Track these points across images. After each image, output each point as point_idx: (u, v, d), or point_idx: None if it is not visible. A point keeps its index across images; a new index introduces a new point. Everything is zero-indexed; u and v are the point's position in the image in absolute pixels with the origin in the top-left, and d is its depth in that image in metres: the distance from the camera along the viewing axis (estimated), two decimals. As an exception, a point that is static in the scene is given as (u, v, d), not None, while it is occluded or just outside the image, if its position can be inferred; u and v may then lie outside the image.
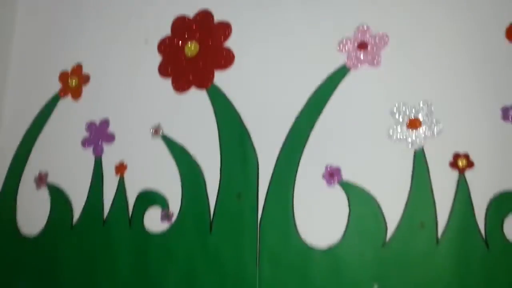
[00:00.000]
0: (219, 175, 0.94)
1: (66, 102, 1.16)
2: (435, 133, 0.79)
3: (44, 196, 1.14)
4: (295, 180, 0.88)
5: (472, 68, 0.79)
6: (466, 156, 0.76)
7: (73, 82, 1.17)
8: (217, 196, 0.94)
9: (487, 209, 0.74)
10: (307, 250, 0.84)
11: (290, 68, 0.92)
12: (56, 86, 1.18)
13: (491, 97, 0.76)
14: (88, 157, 1.09)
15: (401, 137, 0.81)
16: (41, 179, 1.16)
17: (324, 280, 0.82)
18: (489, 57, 0.78)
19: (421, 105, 0.80)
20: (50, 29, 1.23)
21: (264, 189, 0.90)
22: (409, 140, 0.80)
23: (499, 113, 0.75)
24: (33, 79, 1.23)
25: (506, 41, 0.77)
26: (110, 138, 1.09)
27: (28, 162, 1.17)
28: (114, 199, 1.05)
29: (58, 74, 1.18)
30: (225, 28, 1.01)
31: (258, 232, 0.89)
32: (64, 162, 1.13)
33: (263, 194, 0.91)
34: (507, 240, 0.72)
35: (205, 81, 1.00)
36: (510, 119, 0.75)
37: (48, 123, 1.18)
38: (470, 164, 0.76)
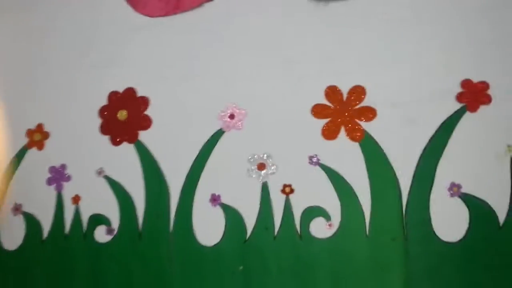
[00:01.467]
0: (144, 202, 1.40)
1: (32, 152, 1.57)
2: (273, 172, 1.29)
3: (20, 221, 1.57)
4: (192, 203, 1.36)
5: (292, 132, 1.30)
6: (290, 186, 1.27)
7: (37, 137, 1.60)
8: (143, 216, 1.39)
9: (301, 217, 1.24)
10: (200, 248, 1.31)
11: (186, 130, 1.37)
12: (24, 140, 1.59)
13: (301, 148, 1.27)
14: (51, 192, 1.52)
15: (254, 175, 1.30)
16: (16, 209, 1.57)
17: (210, 267, 1.30)
18: (298, 130, 1.29)
19: (265, 156, 1.30)
20: (19, 96, 1.63)
21: (173, 210, 1.38)
22: (258, 177, 1.30)
23: (307, 159, 1.26)
24: (6, 135, 1.64)
25: (310, 115, 1.28)
26: (67, 178, 1.52)
27: (6, 196, 1.60)
28: (72, 220, 1.47)
29: (25, 131, 1.60)
30: (145, 101, 1.48)
31: (170, 238, 1.37)
32: (34, 195, 1.56)
33: (173, 213, 1.39)
34: (311, 235, 1.23)
35: (132, 138, 1.44)
36: (312, 163, 1.26)
37: (20, 167, 1.59)
38: (291, 191, 1.26)
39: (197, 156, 1.35)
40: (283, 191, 1.25)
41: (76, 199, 1.49)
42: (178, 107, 1.41)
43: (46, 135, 1.57)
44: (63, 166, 1.53)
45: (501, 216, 1.07)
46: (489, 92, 1.11)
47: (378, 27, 1.23)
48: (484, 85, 1.10)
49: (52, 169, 1.54)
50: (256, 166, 1.29)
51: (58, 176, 1.53)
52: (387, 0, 1.25)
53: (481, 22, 1.16)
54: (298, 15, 1.32)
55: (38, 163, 1.56)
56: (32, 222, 1.54)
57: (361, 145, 1.20)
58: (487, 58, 1.13)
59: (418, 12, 1.21)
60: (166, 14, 1.48)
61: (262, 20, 1.36)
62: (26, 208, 1.55)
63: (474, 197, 1.09)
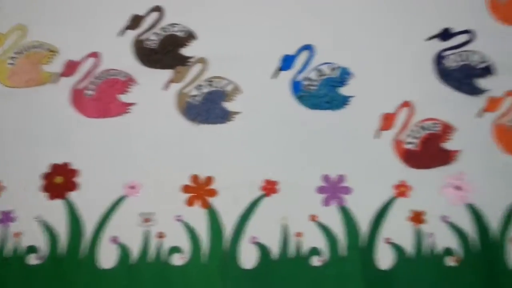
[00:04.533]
0: (66, 239, 2.02)
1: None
2: (153, 224, 2.05)
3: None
4: (99, 242, 2.07)
5: (167, 201, 2.08)
6: (163, 233, 2.03)
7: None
8: (66, 248, 1.94)
9: (167, 252, 2.00)
10: (100, 270, 2.01)
11: (101, 194, 1.85)
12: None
13: (172, 210, 2.03)
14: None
15: (141, 225, 2.05)
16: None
17: (106, 283, 2.00)
18: (171, 199, 2.08)
19: (149, 213, 2.06)
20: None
21: (85, 245, 2.07)
22: (144, 226, 2.05)
23: (175, 217, 2.04)
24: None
25: (180, 191, 2.08)
26: (13, 219, 2.07)
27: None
28: (13, 249, 1.99)
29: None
30: (75, 172, 2.13)
31: (81, 263, 2.04)
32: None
33: (84, 247, 2.08)
34: (172, 264, 1.97)
35: (63, 196, 1.97)
36: (178, 220, 2.03)
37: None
38: (163, 236, 2.03)
39: (107, 210, 1.84)
40: (158, 236, 1.96)
41: (17, 235, 2.08)
42: (98, 178, 1.86)
43: (2, 188, 2.13)
44: (11, 211, 2.13)
45: (275, 252, 1.88)
46: (277, 186, 1.98)
47: (228, 147, 2.07)
48: (276, 181, 1.97)
49: (3, 213, 2.10)
50: (143, 219, 2.03)
51: (6, 218, 2.09)
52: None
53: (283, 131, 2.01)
54: (181, 127, 2.15)
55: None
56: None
57: (208, 212, 1.87)
58: (276, 162, 1.99)
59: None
60: (98, 117, 2.23)
61: (161, 129, 2.03)
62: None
63: (263, 244, 1.91)
